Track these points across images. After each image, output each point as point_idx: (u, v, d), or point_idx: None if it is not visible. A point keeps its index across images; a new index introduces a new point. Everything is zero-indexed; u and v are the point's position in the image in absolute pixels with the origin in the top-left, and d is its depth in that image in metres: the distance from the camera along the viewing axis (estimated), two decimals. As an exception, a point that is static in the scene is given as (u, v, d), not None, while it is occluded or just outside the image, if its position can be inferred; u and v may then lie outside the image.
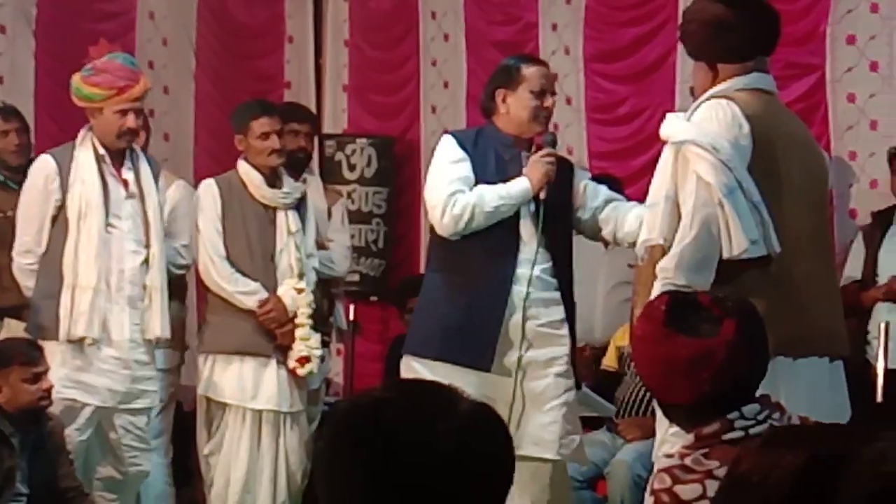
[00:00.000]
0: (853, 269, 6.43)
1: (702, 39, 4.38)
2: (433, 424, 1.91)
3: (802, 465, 1.66)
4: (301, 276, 6.06)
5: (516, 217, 5.16)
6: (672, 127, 4.29)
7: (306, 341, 6.02)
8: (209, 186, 6.11)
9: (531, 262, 5.10)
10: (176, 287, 6.27)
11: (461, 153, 5.19)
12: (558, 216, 5.23)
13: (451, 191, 5.10)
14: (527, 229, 5.16)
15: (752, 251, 4.11)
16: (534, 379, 5.13)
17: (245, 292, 6.00)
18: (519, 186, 5.13)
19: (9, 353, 5.34)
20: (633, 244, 5.22)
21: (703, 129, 4.18)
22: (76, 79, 5.70)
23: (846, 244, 6.59)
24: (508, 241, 5.14)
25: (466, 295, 5.11)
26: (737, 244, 4.09)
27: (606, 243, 5.73)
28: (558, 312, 5.20)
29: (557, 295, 5.20)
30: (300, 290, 6.03)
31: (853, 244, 6.52)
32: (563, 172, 5.28)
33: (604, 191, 5.39)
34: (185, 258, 6.24)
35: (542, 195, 5.14)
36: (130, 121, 5.66)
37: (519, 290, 5.10)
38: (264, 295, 6.00)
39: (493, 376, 5.05)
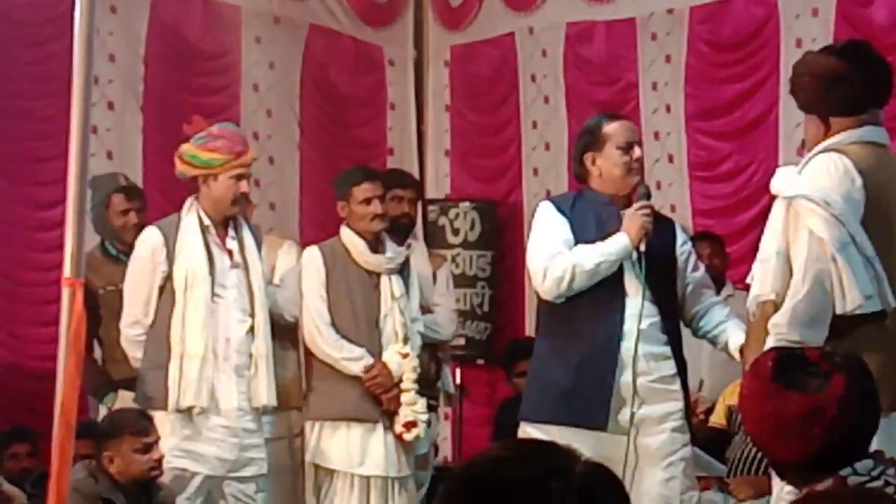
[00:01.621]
0: None
1: (814, 93, 4.34)
2: (547, 483, 1.91)
3: None
4: (406, 340, 6.08)
5: (620, 273, 5.13)
6: (783, 181, 4.25)
7: (412, 406, 6.02)
8: (313, 253, 6.16)
9: (637, 316, 5.08)
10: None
11: (560, 217, 5.19)
12: (662, 269, 5.20)
13: (551, 254, 5.10)
14: (631, 284, 5.14)
15: (866, 306, 4.05)
16: (649, 435, 5.09)
17: (351, 358, 6.02)
18: (618, 242, 5.11)
19: (120, 424, 5.40)
20: (704, 337, 5.28)
21: (815, 183, 4.14)
22: (189, 148, 5.76)
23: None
24: (614, 298, 5.12)
25: (576, 355, 5.08)
26: (851, 300, 4.04)
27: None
28: (669, 367, 5.15)
29: (668, 350, 5.16)
30: (405, 355, 6.04)
31: None
32: (663, 227, 5.26)
33: (701, 271, 5.37)
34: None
35: (642, 247, 5.12)
36: (244, 185, 5.75)
37: (628, 346, 5.06)
38: (370, 361, 6.02)
39: (608, 435, 5.01)
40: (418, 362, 6.10)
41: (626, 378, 5.05)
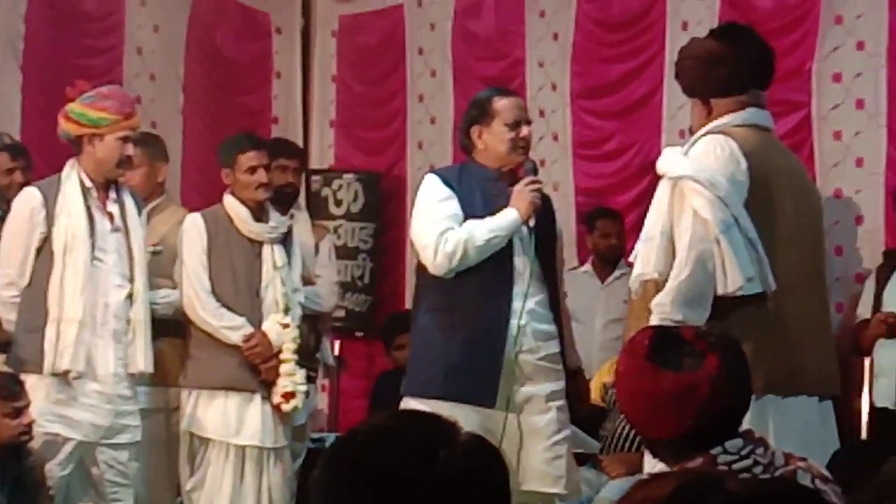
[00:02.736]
0: (864, 308, 6.41)
1: (695, 75, 4.38)
2: (435, 451, 1.92)
3: (670, 493, 1.75)
4: (287, 310, 6.04)
5: (509, 250, 5.15)
6: (669, 162, 4.29)
7: (291, 377, 5.99)
8: (195, 220, 6.10)
9: (525, 295, 5.09)
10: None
11: (447, 191, 5.19)
12: (547, 248, 5.23)
13: (441, 229, 5.09)
14: (520, 261, 5.15)
15: (747, 288, 4.10)
16: (535, 413, 5.11)
17: (230, 327, 5.98)
18: (508, 217, 5.12)
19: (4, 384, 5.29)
20: None
21: (700, 164, 4.18)
22: (76, 106, 5.66)
23: (831, 282, 6.58)
24: (503, 275, 5.12)
25: (464, 332, 5.08)
26: (732, 281, 4.09)
27: None
28: (555, 346, 5.19)
29: (554, 328, 5.19)
30: (285, 326, 6.00)
31: (866, 283, 6.52)
32: (545, 205, 5.28)
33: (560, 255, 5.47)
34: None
35: (532, 223, 5.13)
36: (130, 148, 5.69)
37: (514, 324, 5.08)
38: (249, 330, 5.98)
39: (494, 412, 5.02)
40: (298, 333, 6.07)
41: (511, 356, 5.07)
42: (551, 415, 5.13)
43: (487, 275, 5.10)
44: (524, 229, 5.13)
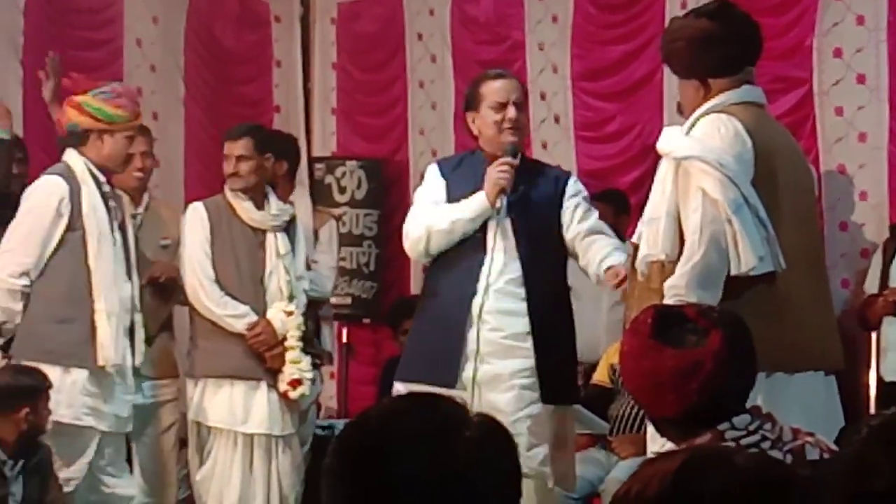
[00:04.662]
0: (871, 283, 6.40)
1: (690, 56, 4.36)
2: (454, 434, 1.92)
3: (678, 467, 1.75)
4: (291, 298, 6.04)
5: (483, 231, 5.15)
6: (672, 142, 4.27)
7: (297, 364, 6.00)
8: (196, 209, 6.10)
9: (494, 273, 5.10)
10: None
11: (439, 180, 5.27)
12: (534, 225, 5.20)
13: (414, 216, 5.18)
14: (492, 241, 5.16)
15: (759, 268, 4.10)
16: (496, 391, 5.09)
17: (235, 315, 5.98)
18: (474, 201, 5.14)
19: (40, 380, 5.30)
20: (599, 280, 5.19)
21: (706, 144, 4.17)
22: (92, 100, 5.66)
23: (836, 258, 6.58)
24: (473, 256, 5.14)
25: (431, 313, 5.19)
26: (745, 261, 4.08)
27: None
28: (523, 325, 5.14)
29: (523, 306, 5.14)
30: (289, 313, 6.01)
31: (873, 258, 6.51)
32: (543, 181, 5.26)
33: (593, 220, 5.30)
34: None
35: (499, 204, 5.11)
36: (136, 146, 5.77)
37: (480, 303, 5.10)
38: (253, 318, 5.98)
39: (459, 392, 4.97)
40: (303, 321, 6.08)
41: (472, 333, 5.08)
42: (512, 394, 5.10)
43: (459, 257, 5.15)
44: (502, 209, 5.10)
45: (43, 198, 5.61)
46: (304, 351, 6.05)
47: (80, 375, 5.51)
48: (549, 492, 5.29)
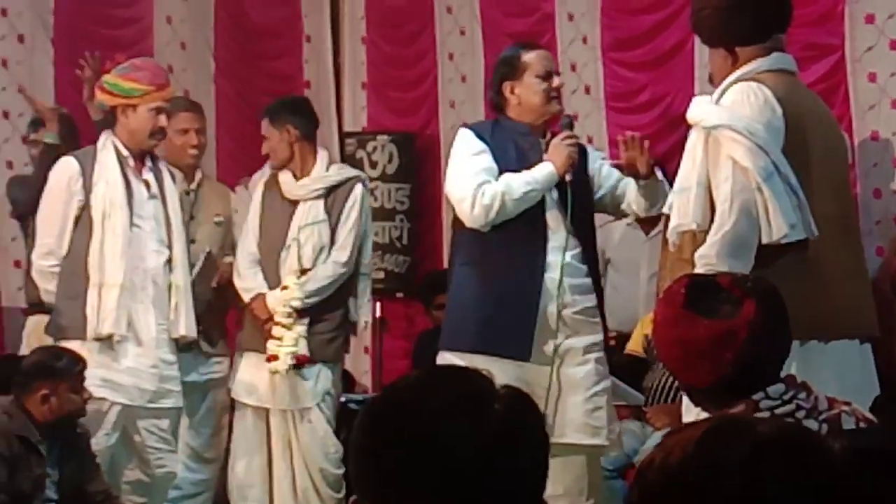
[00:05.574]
0: None
1: (718, 25, 4.35)
2: (482, 407, 1.91)
3: (700, 436, 1.75)
4: (304, 271, 6.04)
5: (541, 205, 5.15)
6: (702, 111, 4.26)
7: (277, 340, 5.99)
8: (256, 185, 6.27)
9: (561, 249, 5.11)
10: None
11: (481, 145, 5.20)
12: (582, 201, 5.24)
13: (477, 182, 5.10)
14: (553, 216, 5.17)
15: (791, 235, 4.08)
16: (572, 366, 5.15)
17: (244, 289, 6.08)
18: (544, 171, 5.14)
19: (63, 362, 5.32)
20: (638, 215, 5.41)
21: (735, 113, 4.15)
22: (110, 77, 5.70)
23: (871, 225, 6.54)
24: (536, 230, 5.15)
25: (498, 285, 5.12)
26: (777, 229, 4.06)
27: (625, 215, 5.68)
28: (592, 300, 5.23)
29: (589, 281, 5.24)
30: (284, 288, 6.01)
31: None
32: (579, 157, 5.28)
33: (615, 172, 5.38)
34: None
35: (569, 178, 5.15)
36: (163, 120, 5.72)
37: (551, 278, 5.10)
38: (256, 292, 6.03)
39: (531, 365, 5.06)
40: (301, 295, 6.01)
41: (551, 309, 5.09)
42: (590, 367, 5.16)
43: (521, 230, 5.13)
44: (558, 184, 5.14)
45: (54, 179, 5.73)
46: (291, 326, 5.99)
47: (86, 348, 5.52)
48: (597, 468, 5.36)
